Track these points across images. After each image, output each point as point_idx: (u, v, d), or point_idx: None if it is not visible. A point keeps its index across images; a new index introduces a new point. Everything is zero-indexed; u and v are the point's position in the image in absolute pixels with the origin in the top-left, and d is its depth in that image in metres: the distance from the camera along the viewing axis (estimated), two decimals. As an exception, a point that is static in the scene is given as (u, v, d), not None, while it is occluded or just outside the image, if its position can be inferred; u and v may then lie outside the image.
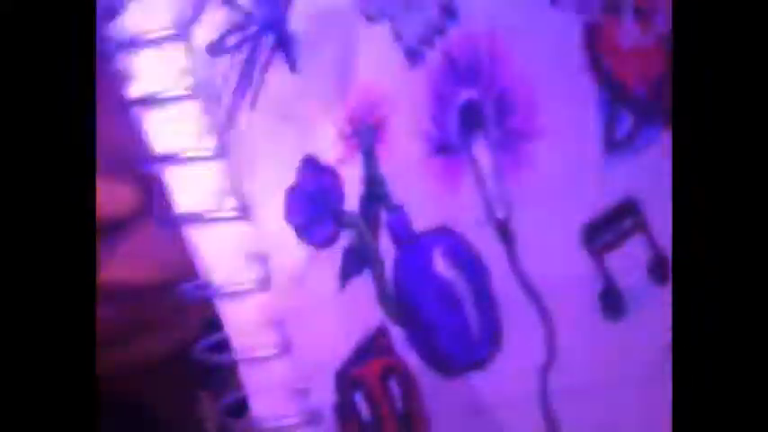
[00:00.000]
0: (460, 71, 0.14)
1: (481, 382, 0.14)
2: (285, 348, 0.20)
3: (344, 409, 0.18)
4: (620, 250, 0.12)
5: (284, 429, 0.19)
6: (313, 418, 0.19)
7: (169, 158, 0.21)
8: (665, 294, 0.12)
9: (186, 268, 0.22)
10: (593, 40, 0.13)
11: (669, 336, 0.12)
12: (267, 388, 0.20)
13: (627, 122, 0.12)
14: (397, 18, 0.15)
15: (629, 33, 0.12)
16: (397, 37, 0.15)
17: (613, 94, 0.12)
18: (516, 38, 0.13)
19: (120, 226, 0.25)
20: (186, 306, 0.23)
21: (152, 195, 0.22)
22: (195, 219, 0.20)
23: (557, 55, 0.13)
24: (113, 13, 0.21)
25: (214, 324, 0.21)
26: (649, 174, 0.12)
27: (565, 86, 0.13)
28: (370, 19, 0.16)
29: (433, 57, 0.15)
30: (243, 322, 0.20)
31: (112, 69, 0.21)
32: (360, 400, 0.18)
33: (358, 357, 0.18)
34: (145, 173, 0.21)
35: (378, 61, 0.16)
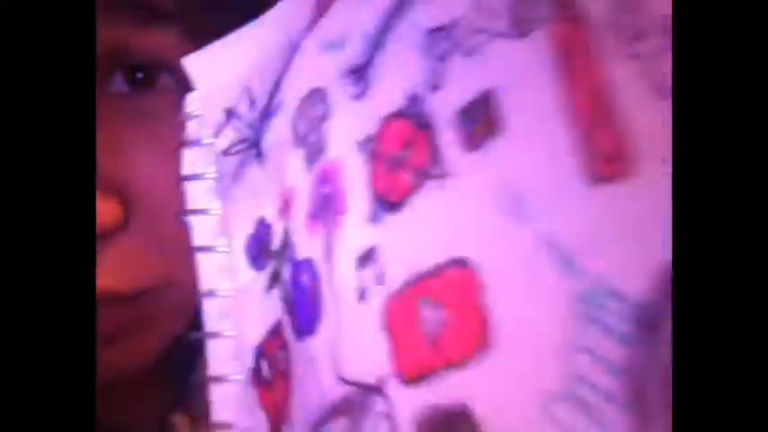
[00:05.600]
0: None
1: (314, 342, 0.24)
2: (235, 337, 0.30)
3: (256, 372, 0.28)
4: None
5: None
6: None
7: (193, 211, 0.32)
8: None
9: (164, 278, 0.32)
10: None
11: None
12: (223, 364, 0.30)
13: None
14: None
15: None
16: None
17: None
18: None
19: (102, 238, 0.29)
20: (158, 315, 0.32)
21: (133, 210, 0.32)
22: (203, 249, 0.32)
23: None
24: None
25: (195, 325, 0.31)
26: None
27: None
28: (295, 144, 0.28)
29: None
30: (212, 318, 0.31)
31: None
32: (264, 365, 0.27)
33: (267, 337, 0.28)
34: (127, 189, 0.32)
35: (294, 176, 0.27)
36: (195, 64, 0.34)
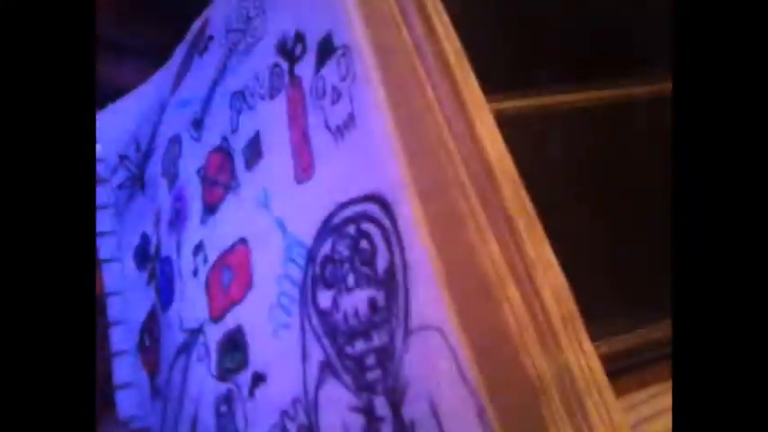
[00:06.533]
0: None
1: (170, 311, 0.33)
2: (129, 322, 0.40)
3: (141, 343, 0.37)
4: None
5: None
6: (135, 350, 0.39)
7: (101, 234, 0.42)
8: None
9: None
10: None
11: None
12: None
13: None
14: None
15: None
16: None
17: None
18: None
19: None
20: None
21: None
22: (108, 261, 0.41)
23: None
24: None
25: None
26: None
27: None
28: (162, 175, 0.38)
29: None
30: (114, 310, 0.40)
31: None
32: (146, 337, 0.37)
33: (147, 317, 0.37)
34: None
35: (161, 199, 0.37)
36: (97, 120, 0.45)
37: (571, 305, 0.22)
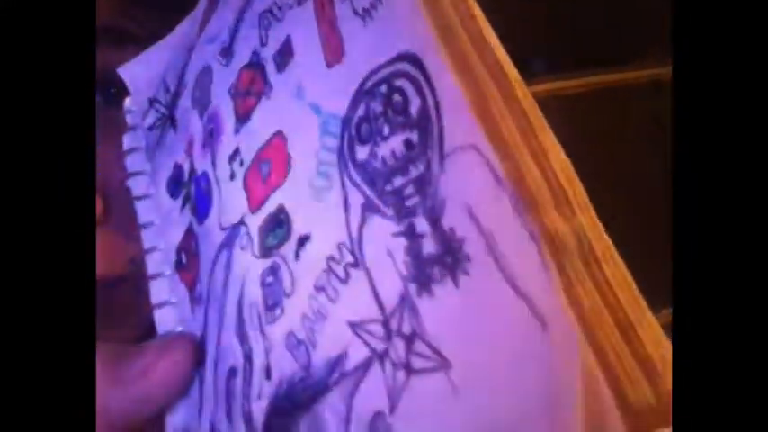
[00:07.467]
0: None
1: (208, 220, 0.36)
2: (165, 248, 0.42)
3: (179, 262, 0.40)
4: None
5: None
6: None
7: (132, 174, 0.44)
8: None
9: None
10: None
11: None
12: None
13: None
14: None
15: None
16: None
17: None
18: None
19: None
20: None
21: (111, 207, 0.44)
22: (141, 198, 0.44)
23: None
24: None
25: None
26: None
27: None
28: (193, 106, 0.40)
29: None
30: (149, 239, 0.42)
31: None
32: (183, 255, 0.39)
33: (184, 237, 0.39)
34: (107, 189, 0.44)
35: (192, 127, 0.40)
36: (128, 71, 0.47)
37: (579, 186, 0.25)
